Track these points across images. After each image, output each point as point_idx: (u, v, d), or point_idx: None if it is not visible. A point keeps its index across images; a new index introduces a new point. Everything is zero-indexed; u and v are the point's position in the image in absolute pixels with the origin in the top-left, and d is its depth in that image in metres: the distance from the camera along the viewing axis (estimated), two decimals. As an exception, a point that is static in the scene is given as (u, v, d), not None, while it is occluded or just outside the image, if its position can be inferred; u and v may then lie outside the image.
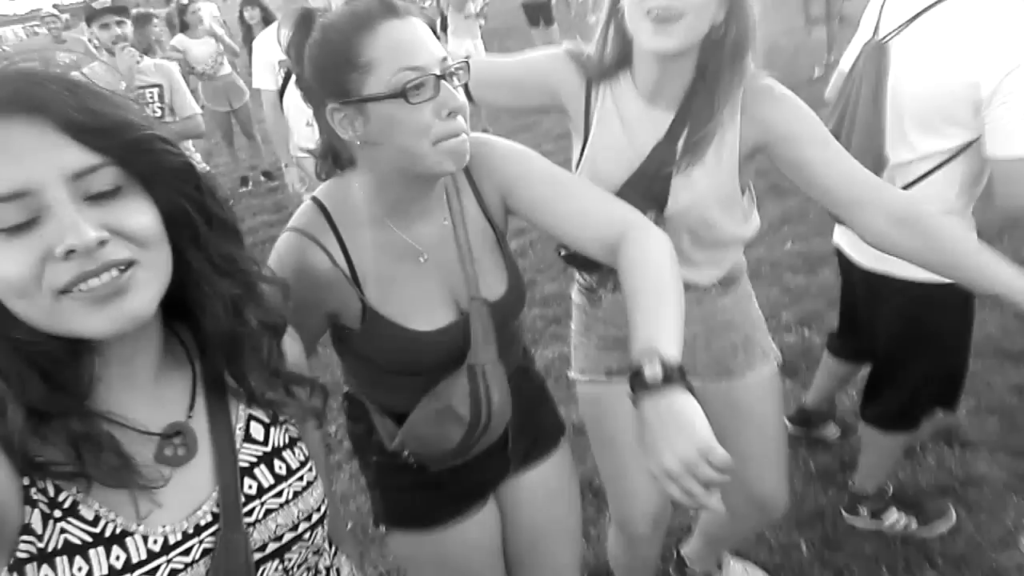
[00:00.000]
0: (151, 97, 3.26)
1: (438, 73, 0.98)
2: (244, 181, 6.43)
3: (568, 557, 1.45)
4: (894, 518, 2.10)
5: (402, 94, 0.96)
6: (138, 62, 3.26)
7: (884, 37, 1.65)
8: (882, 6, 1.71)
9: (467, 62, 1.35)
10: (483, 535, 1.33)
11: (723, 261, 1.49)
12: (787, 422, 2.52)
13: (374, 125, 0.99)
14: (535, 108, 1.53)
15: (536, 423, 1.36)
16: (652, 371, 0.87)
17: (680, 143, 1.34)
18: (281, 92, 3.30)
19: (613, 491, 1.64)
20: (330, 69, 0.99)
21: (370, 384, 1.23)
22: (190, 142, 3.61)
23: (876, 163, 1.64)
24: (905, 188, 1.64)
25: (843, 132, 1.72)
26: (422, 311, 1.12)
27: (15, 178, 0.62)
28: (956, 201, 1.65)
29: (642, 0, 1.20)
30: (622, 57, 1.36)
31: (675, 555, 2.05)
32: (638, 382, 0.88)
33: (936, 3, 1.56)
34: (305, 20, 1.04)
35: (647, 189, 1.35)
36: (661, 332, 0.93)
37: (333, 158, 1.12)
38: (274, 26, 3.51)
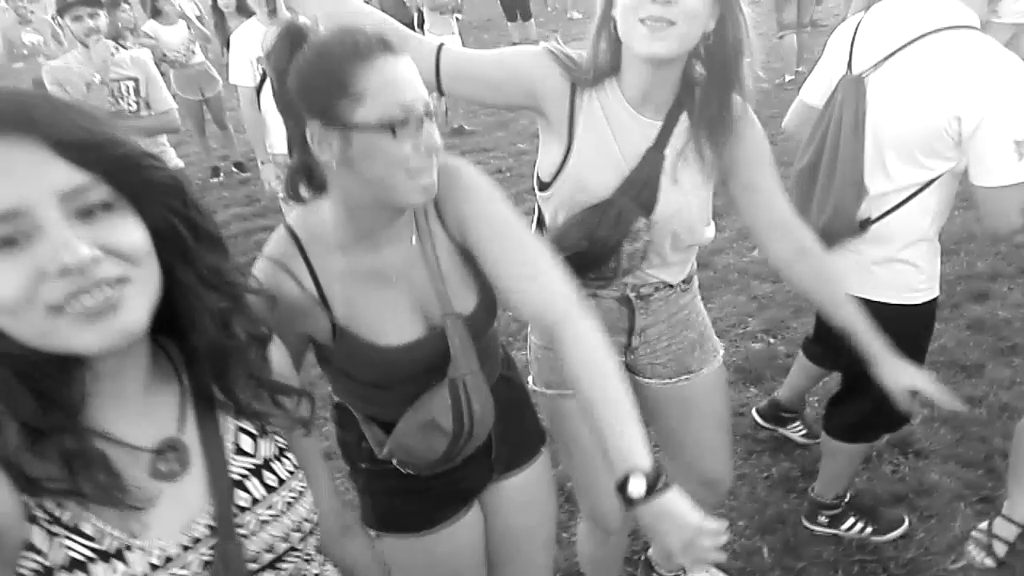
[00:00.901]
0: (127, 90, 3.19)
1: (423, 112, 1.02)
2: (215, 172, 6.29)
3: (544, 560, 1.52)
4: (851, 524, 2.18)
5: (391, 128, 0.99)
6: (113, 54, 3.19)
7: (861, 72, 1.69)
8: (852, 40, 1.73)
9: (440, 45, 1.37)
10: (471, 538, 1.38)
11: (689, 261, 1.58)
12: (757, 417, 2.62)
13: (355, 151, 1.01)
14: (508, 106, 1.50)
15: (518, 430, 1.40)
16: (638, 488, 0.99)
17: (667, 150, 1.39)
18: (259, 89, 3.27)
19: (586, 491, 1.70)
20: (320, 90, 1.00)
21: (354, 396, 1.27)
22: (163, 135, 3.56)
23: (857, 193, 1.70)
24: (881, 217, 1.71)
25: (823, 164, 1.75)
26: (392, 328, 1.15)
27: (7, 198, 0.63)
28: (929, 228, 1.72)
29: (635, 9, 1.24)
30: (612, 64, 1.38)
31: (642, 558, 2.11)
32: (627, 496, 1.00)
33: (914, 40, 1.60)
34: (294, 34, 1.04)
35: (636, 195, 1.40)
36: (632, 444, 1.02)
37: (307, 176, 1.13)
38: (255, 22, 3.47)
